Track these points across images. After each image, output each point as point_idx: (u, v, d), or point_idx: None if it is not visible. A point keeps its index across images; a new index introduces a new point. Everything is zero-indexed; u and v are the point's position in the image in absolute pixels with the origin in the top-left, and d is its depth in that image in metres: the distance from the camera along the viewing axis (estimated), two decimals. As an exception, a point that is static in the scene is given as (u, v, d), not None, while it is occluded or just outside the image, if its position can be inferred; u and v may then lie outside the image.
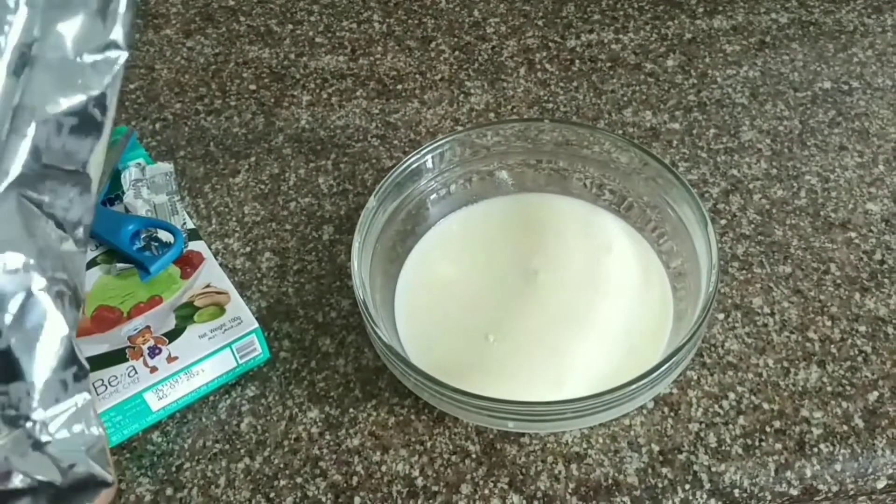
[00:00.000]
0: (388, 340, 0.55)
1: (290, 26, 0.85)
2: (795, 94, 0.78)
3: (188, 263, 0.64)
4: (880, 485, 0.58)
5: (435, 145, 0.65)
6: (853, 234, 0.69)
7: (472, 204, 0.68)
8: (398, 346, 0.60)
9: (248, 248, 0.69)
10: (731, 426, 0.59)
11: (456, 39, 0.84)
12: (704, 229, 0.59)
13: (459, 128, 0.77)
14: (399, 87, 0.80)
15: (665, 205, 0.63)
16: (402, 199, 0.65)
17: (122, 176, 0.68)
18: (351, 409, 0.60)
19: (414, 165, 0.64)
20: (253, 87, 0.81)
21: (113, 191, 0.68)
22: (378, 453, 0.58)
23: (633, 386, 0.52)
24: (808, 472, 0.57)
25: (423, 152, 0.64)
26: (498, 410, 0.53)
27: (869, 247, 0.68)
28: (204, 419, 0.61)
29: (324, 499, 0.56)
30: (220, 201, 0.72)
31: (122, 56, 0.40)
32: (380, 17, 0.86)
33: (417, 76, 0.81)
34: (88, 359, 0.58)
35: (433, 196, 0.67)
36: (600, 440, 0.59)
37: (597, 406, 0.53)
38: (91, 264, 0.64)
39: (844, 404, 0.60)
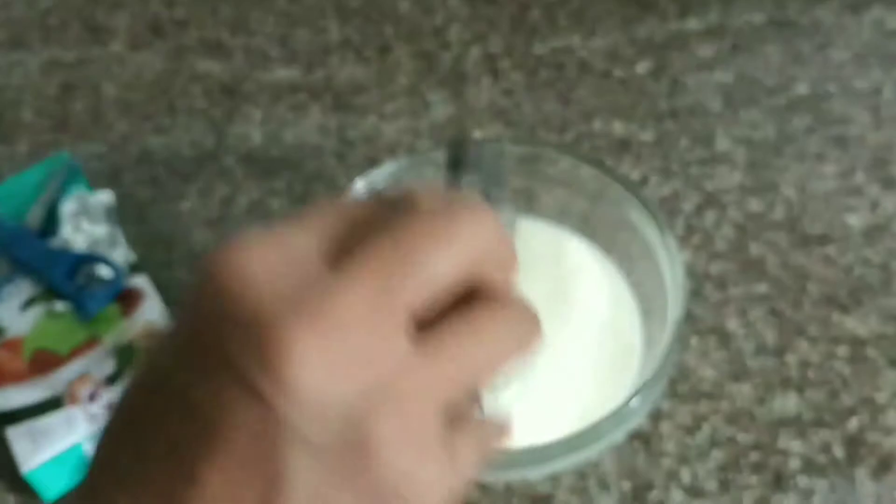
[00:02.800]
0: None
1: (243, 38, 0.81)
2: (770, 101, 0.74)
3: (129, 300, 0.60)
4: (862, 518, 0.56)
5: (387, 170, 0.61)
6: (831, 249, 0.65)
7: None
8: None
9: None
10: (704, 460, 0.56)
11: (416, 48, 0.80)
12: (668, 253, 0.56)
13: (419, 143, 0.73)
14: (356, 100, 0.77)
15: (629, 226, 0.60)
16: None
17: (61, 207, 0.64)
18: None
19: (364, 192, 0.60)
20: (203, 103, 0.77)
21: (51, 224, 0.65)
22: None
23: (597, 431, 0.49)
24: (787, 508, 0.55)
25: (372, 176, 0.61)
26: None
27: (847, 262, 0.65)
28: (150, 465, 0.57)
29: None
30: (167, 228, 0.69)
31: None
32: (336, 26, 0.82)
33: (376, 88, 0.78)
34: (24, 407, 0.56)
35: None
36: (568, 479, 0.56)
37: (561, 451, 0.50)
38: (29, 303, 0.60)
39: (823, 433, 0.57)
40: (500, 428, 0.34)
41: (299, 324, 0.24)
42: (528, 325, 0.30)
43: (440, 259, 0.26)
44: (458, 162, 0.45)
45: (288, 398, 0.24)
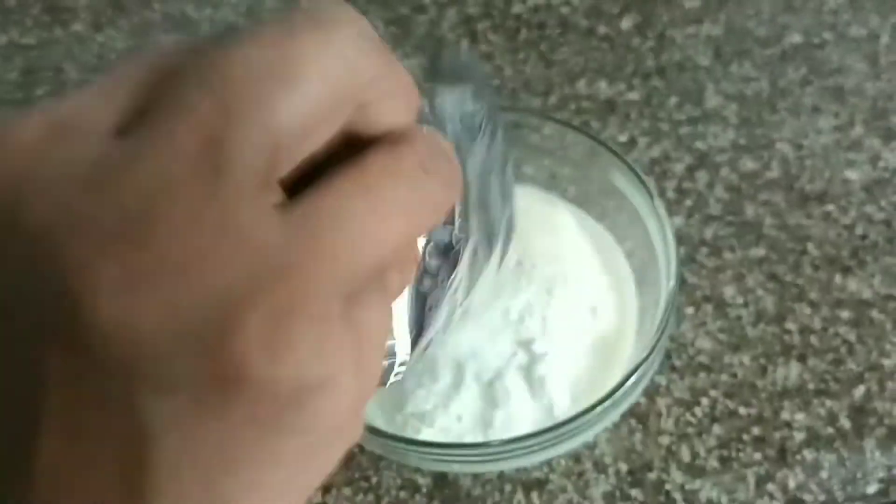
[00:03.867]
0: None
1: (209, 10, 0.78)
2: (763, 52, 0.71)
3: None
4: (871, 490, 0.53)
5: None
6: (831, 207, 0.62)
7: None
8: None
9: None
10: (705, 436, 0.54)
11: (390, 13, 0.77)
12: (658, 220, 0.53)
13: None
14: (331, 71, 0.73)
15: (617, 193, 0.57)
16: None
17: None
18: (288, 445, 0.55)
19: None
20: (171, 82, 0.74)
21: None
22: (319, 494, 0.53)
23: (589, 415, 0.47)
24: (792, 483, 0.52)
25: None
26: (437, 455, 0.48)
27: (849, 220, 0.62)
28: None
29: (258, 554, 0.51)
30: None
31: None
32: (308, -7, 0.79)
33: (350, 58, 0.74)
34: None
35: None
36: (563, 462, 0.54)
37: (552, 440, 0.47)
38: None
39: (828, 403, 0.55)
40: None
41: (94, 229, 0.18)
42: (441, 170, 0.22)
43: (282, 102, 0.19)
44: (439, 70, 0.36)
45: (112, 343, 0.18)
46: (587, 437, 0.50)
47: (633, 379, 0.48)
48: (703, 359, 0.57)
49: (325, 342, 0.19)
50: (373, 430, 0.47)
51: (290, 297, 0.19)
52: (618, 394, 0.48)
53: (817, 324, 0.58)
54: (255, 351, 0.18)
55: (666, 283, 0.52)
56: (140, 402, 0.19)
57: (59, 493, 0.19)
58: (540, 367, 0.53)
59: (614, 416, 0.50)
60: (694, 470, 0.53)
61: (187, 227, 0.18)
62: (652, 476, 0.53)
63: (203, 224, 0.18)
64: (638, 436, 0.54)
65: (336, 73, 0.20)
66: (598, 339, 0.55)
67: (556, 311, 0.56)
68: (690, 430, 0.54)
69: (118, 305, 0.18)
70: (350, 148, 0.21)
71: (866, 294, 0.58)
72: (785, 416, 0.54)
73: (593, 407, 0.47)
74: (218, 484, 0.20)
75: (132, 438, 0.19)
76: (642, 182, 0.54)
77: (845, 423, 0.54)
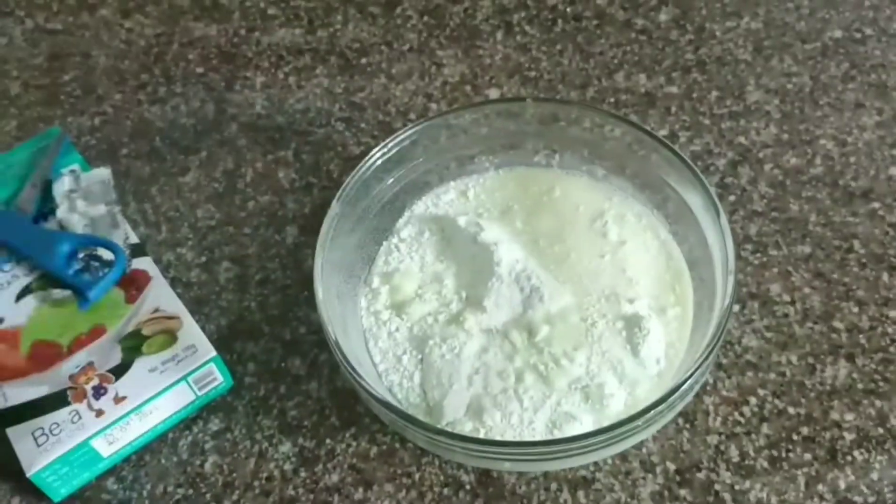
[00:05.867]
0: (369, 387, 0.47)
1: (239, -3, 0.77)
2: (803, 47, 0.70)
3: (133, 285, 0.56)
4: (923, 493, 0.52)
5: (403, 136, 0.57)
6: (877, 205, 0.62)
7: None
8: (375, 377, 0.52)
9: (203, 258, 0.62)
10: (753, 436, 0.53)
11: (425, 2, 0.76)
12: (717, 218, 0.51)
13: (433, 105, 0.69)
14: (363, 60, 0.72)
15: (665, 185, 0.56)
16: (371, 198, 0.57)
17: (54, 187, 0.60)
18: (328, 440, 0.54)
19: (380, 161, 0.56)
20: (200, 69, 0.72)
21: (45, 205, 0.60)
22: (360, 490, 0.52)
23: (642, 419, 0.46)
24: (842, 484, 0.51)
25: (390, 145, 0.56)
26: (483, 452, 0.46)
27: (895, 218, 0.61)
28: (163, 460, 0.54)
29: (301, 551, 0.50)
30: (170, 205, 0.65)
31: None
32: (339, -19, 0.77)
33: (383, 47, 0.73)
34: (25, 404, 0.52)
35: (405, 187, 0.59)
36: (609, 461, 0.53)
37: (605, 442, 0.46)
38: (24, 292, 0.56)
39: (878, 403, 0.54)
40: None
41: None
42: None
43: None
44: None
45: None
46: (638, 439, 0.49)
47: (686, 385, 0.47)
48: (750, 357, 0.56)
49: None
50: (416, 423, 0.46)
51: None
52: (672, 398, 0.46)
53: (865, 323, 0.57)
54: None
55: (721, 294, 0.50)
56: None
57: None
58: (640, 327, 0.53)
59: (666, 419, 0.49)
60: (743, 470, 0.52)
61: None
62: (700, 476, 0.52)
63: None
64: (685, 435, 0.53)
65: None
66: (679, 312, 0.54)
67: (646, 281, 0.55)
68: (739, 429, 0.53)
69: None
70: None
71: (915, 293, 0.58)
72: (834, 415, 0.53)
73: (646, 411, 0.46)
74: None
75: None
76: (697, 177, 0.53)
77: (896, 423, 0.53)
